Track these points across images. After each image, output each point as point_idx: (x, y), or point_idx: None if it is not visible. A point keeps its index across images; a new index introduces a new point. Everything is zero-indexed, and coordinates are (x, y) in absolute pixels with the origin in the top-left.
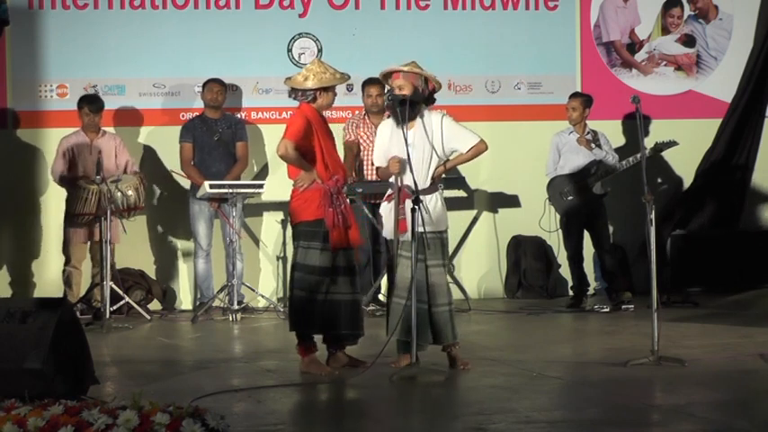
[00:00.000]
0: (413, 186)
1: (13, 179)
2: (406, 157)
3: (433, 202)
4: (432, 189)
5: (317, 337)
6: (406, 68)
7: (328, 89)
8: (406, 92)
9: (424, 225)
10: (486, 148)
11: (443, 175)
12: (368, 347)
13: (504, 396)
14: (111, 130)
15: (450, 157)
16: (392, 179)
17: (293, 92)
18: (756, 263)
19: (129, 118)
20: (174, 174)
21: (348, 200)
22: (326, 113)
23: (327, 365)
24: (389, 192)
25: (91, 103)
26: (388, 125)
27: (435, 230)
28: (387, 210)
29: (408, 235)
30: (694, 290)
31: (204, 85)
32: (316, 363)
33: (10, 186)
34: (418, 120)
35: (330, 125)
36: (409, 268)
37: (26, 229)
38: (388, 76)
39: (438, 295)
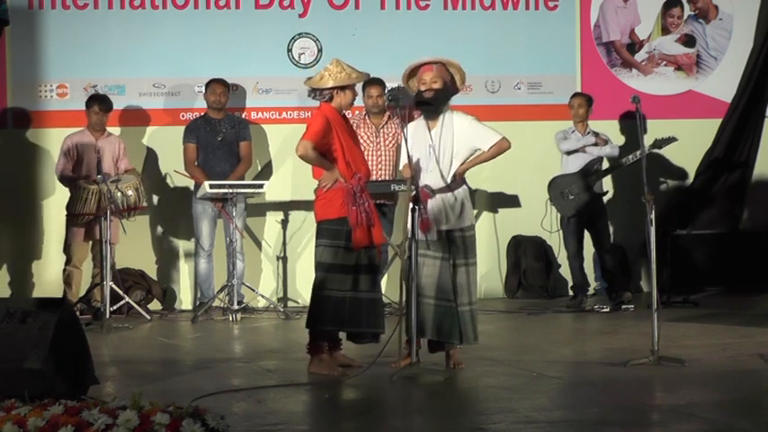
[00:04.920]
0: (431, 186)
1: (13, 179)
2: (426, 154)
3: (454, 199)
4: (454, 186)
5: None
6: (434, 61)
7: (345, 88)
8: (438, 86)
9: (446, 222)
10: (509, 146)
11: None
12: (368, 347)
13: (504, 396)
14: (116, 131)
15: (473, 156)
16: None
17: (312, 92)
18: (756, 263)
19: (130, 118)
20: (178, 174)
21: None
22: None
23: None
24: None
25: (102, 102)
26: (413, 125)
27: (456, 228)
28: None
29: (434, 234)
30: (694, 290)
31: (207, 85)
32: (326, 363)
33: (10, 186)
34: (440, 118)
35: None
36: (434, 267)
37: (26, 229)
38: (413, 74)
39: (459, 294)
